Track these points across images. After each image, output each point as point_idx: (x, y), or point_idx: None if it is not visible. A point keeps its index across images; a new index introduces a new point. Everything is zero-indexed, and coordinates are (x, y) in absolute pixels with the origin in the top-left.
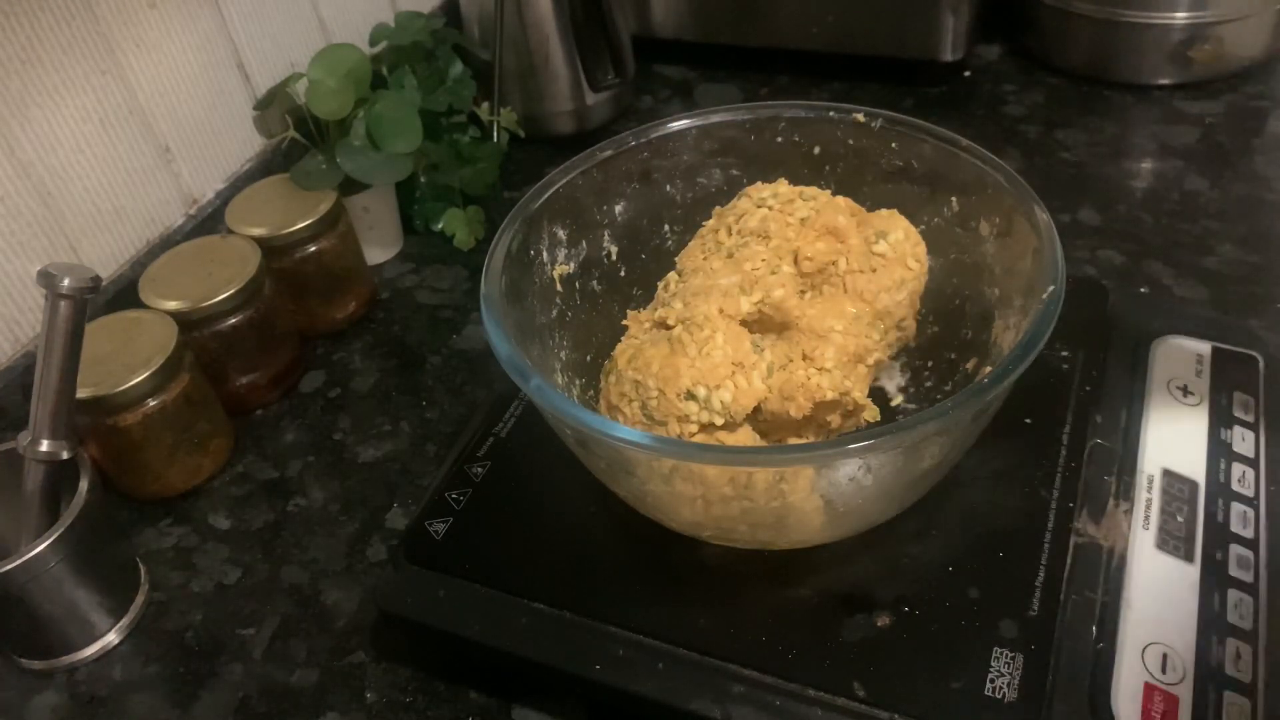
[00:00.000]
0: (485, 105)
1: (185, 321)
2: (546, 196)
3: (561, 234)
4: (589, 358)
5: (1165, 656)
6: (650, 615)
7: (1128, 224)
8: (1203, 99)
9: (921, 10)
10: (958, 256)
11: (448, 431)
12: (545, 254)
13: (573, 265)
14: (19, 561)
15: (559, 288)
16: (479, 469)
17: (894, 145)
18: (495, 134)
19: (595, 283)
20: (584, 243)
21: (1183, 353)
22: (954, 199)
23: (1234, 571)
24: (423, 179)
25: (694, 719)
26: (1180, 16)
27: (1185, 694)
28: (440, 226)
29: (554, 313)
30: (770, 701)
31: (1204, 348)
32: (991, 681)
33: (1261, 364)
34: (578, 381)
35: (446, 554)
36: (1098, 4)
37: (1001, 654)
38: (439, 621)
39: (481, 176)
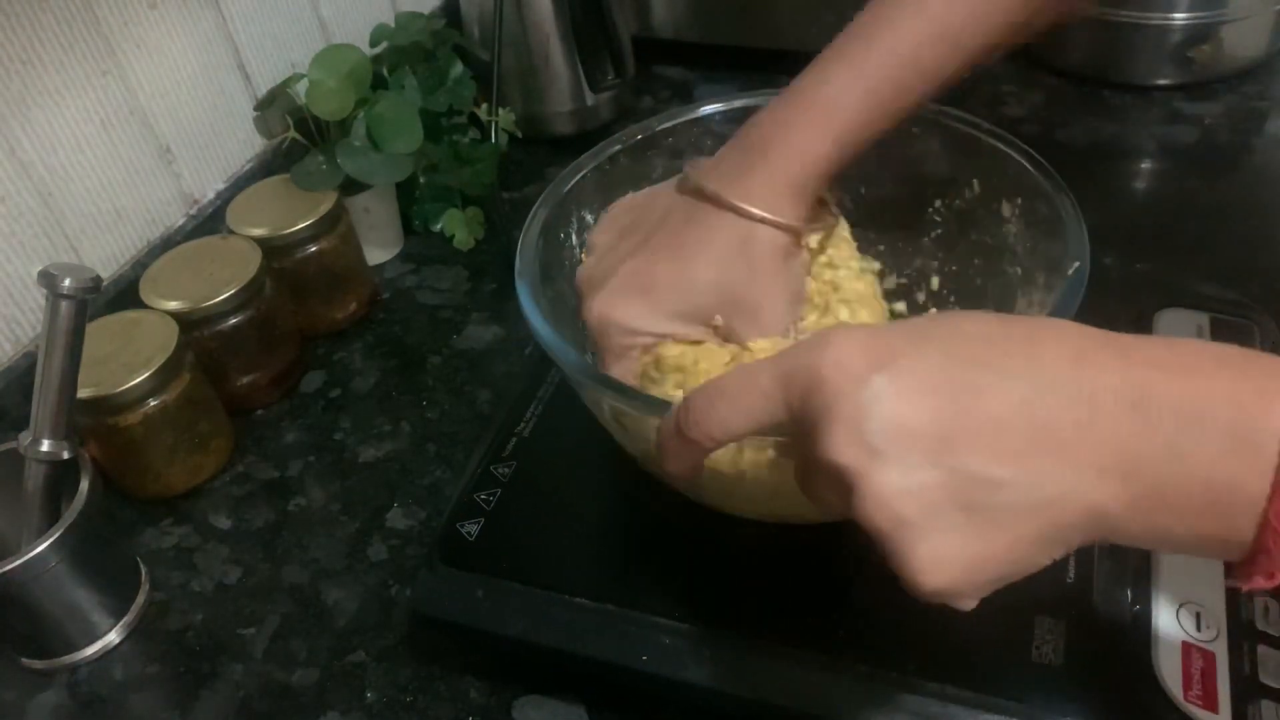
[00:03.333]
0: (485, 106)
1: (186, 321)
2: (574, 181)
3: (590, 219)
4: None
5: (1199, 615)
6: (695, 603)
7: (1128, 224)
8: (1203, 99)
9: None
10: (979, 237)
11: (448, 431)
12: (574, 238)
13: None
14: (19, 561)
15: None
16: (505, 469)
17: (915, 130)
18: (494, 135)
19: None
20: None
21: (1183, 323)
22: (975, 181)
23: None
24: (422, 179)
25: (747, 704)
26: (1180, 16)
27: (1221, 650)
28: (440, 227)
29: None
30: (819, 678)
31: (1203, 319)
32: (1038, 648)
33: (1258, 332)
34: None
35: (482, 554)
36: (1098, 4)
37: (1044, 621)
38: (480, 622)
39: (480, 177)
